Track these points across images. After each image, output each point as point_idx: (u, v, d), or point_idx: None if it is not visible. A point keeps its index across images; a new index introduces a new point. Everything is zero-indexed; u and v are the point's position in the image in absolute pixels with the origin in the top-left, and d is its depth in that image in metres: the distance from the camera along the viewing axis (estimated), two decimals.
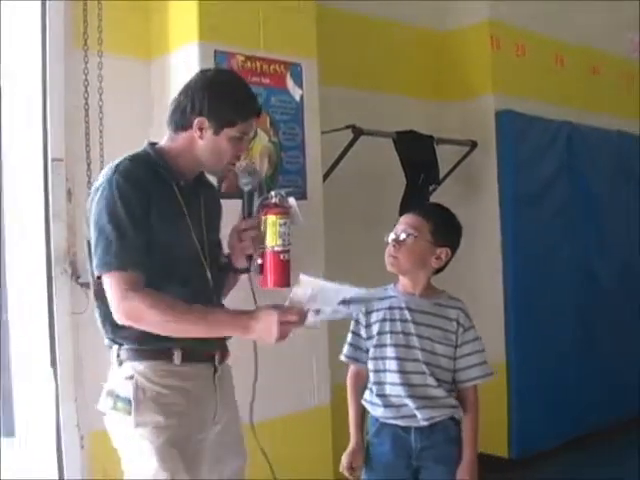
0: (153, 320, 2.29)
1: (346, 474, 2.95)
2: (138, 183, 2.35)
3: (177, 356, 2.43)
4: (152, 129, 3.84)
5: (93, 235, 2.35)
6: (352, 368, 3.01)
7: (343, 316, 2.43)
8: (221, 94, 2.48)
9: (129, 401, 2.37)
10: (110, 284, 2.31)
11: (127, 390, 2.39)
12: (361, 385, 2.98)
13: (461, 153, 5.52)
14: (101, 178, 2.41)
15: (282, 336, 2.30)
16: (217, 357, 2.56)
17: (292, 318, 2.30)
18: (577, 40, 6.28)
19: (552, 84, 6.06)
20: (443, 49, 5.77)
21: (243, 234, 2.63)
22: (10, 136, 3.84)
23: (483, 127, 5.55)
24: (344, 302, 2.36)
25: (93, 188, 2.43)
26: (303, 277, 2.36)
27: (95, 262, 2.34)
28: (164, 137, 2.57)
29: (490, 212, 5.53)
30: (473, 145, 5.47)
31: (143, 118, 3.94)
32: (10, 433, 3.99)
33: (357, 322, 2.97)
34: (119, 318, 2.31)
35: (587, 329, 6.07)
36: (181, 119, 2.49)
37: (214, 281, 2.57)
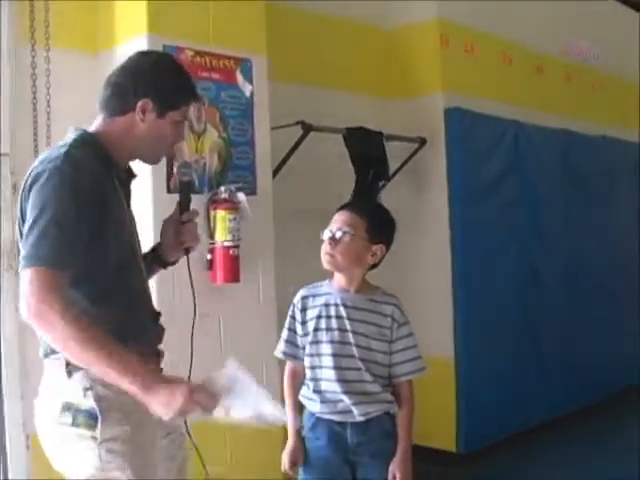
0: (55, 326, 2.00)
1: (288, 472, 2.95)
2: (89, 173, 2.16)
3: None
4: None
5: (26, 224, 2.09)
6: (289, 365, 3.00)
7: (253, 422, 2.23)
8: (167, 76, 2.36)
9: (93, 414, 2.12)
10: (30, 278, 2.02)
11: (88, 403, 2.13)
12: (298, 382, 2.97)
13: (410, 150, 5.54)
14: (41, 164, 2.17)
15: (183, 412, 2.06)
16: (160, 356, 2.43)
17: (202, 399, 2.06)
18: (524, 39, 6.36)
19: (500, 82, 6.13)
20: (393, 47, 5.79)
21: (183, 227, 2.53)
22: None
23: (432, 124, 5.58)
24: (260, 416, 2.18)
25: (31, 173, 2.17)
26: (231, 363, 2.17)
27: (22, 253, 2.08)
28: (94, 123, 2.38)
29: (439, 208, 5.57)
30: (422, 142, 5.50)
31: (90, 111, 3.88)
32: None
33: (293, 318, 2.96)
34: (25, 315, 2.02)
35: (531, 325, 6.16)
36: (121, 102, 2.31)
37: (146, 275, 2.46)
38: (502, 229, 5.88)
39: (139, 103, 2.29)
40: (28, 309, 2.01)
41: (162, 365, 2.44)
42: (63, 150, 2.18)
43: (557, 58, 6.89)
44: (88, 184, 2.14)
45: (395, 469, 2.84)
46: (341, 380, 2.82)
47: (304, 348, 2.92)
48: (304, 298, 2.95)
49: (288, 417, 2.86)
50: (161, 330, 2.46)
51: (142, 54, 2.47)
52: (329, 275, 2.96)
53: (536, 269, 6.26)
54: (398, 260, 5.37)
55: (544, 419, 6.13)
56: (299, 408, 2.98)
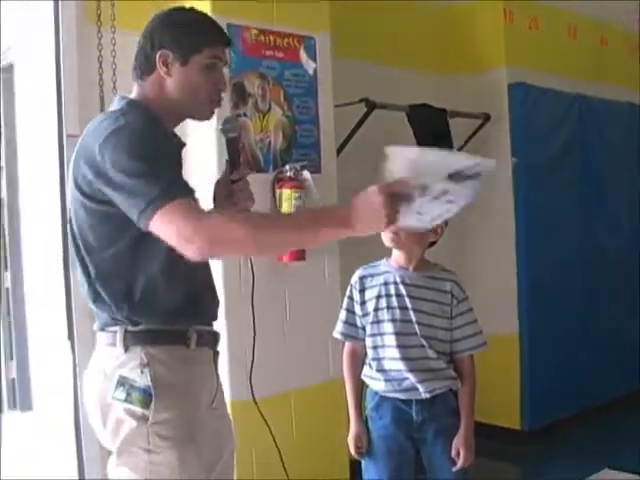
0: (239, 234, 1.91)
1: (357, 456, 2.95)
2: (156, 126, 2.11)
3: (193, 339, 2.17)
4: None
5: (116, 187, 1.96)
6: (348, 346, 2.98)
7: (457, 205, 1.99)
8: (181, 21, 2.25)
9: (147, 392, 2.06)
10: (169, 218, 1.90)
11: (144, 380, 2.07)
12: (358, 363, 2.96)
13: (474, 126, 5.49)
14: (96, 132, 2.07)
15: (391, 215, 1.91)
16: (217, 339, 2.33)
17: (397, 187, 1.90)
18: (588, 11, 6.20)
19: (564, 56, 6.01)
20: (456, 22, 5.71)
21: (234, 186, 2.39)
22: (26, 114, 3.81)
23: (496, 100, 5.52)
24: (456, 176, 1.91)
25: (86, 145, 2.08)
26: (392, 149, 1.94)
27: (137, 210, 1.94)
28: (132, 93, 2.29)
29: (503, 184, 5.49)
30: (486, 118, 5.44)
31: None
32: (28, 407, 4.00)
33: (351, 299, 2.94)
34: (194, 250, 1.90)
35: (594, 304, 6.06)
36: (144, 61, 2.22)
37: None
38: (566, 206, 5.80)
39: (158, 55, 2.20)
40: (193, 239, 1.90)
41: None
42: (118, 114, 2.10)
43: (622, 30, 6.71)
44: (161, 134, 2.12)
45: (459, 445, 2.83)
46: (405, 358, 2.81)
47: (364, 328, 2.91)
48: (362, 278, 2.94)
49: (350, 400, 2.93)
50: (217, 303, 2.37)
51: (158, 13, 2.31)
52: (389, 254, 2.95)
53: (601, 248, 6.15)
54: (462, 238, 5.37)
55: (607, 398, 6.02)
56: (361, 388, 2.98)
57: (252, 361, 2.91)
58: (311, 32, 4.18)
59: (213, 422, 2.27)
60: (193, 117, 2.32)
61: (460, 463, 2.82)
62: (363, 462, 2.95)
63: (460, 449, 2.83)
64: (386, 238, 2.83)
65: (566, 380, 5.70)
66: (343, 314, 2.96)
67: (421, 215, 1.98)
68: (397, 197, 1.90)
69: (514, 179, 5.48)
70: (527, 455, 5.34)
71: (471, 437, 2.86)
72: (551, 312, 5.63)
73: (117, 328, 2.11)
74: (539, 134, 5.63)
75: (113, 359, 2.12)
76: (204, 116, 2.31)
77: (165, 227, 1.92)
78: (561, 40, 6.01)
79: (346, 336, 2.95)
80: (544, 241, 5.60)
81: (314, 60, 4.18)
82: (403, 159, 1.92)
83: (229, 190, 2.43)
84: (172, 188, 1.94)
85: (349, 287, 2.96)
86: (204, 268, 2.27)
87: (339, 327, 2.97)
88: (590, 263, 6.03)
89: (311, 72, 4.17)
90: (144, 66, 2.23)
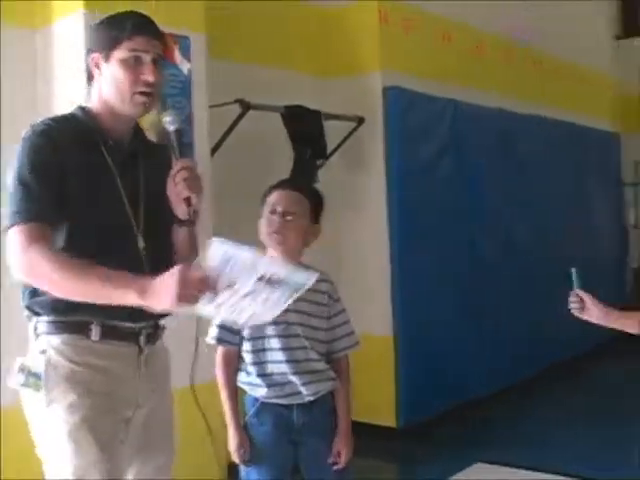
0: (43, 272, 2.14)
1: (242, 465, 2.92)
2: (51, 140, 2.24)
3: (95, 332, 2.28)
4: (37, 98, 3.85)
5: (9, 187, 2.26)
6: (222, 351, 2.92)
7: (276, 308, 2.14)
8: (104, 21, 2.38)
9: (40, 377, 2.23)
10: (12, 237, 2.18)
11: (39, 365, 2.25)
12: (233, 368, 2.92)
13: (349, 129, 5.66)
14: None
15: (182, 296, 2.03)
16: (143, 336, 2.38)
17: (197, 273, 2.06)
18: (463, 18, 6.52)
19: (439, 61, 6.28)
20: (332, 25, 5.87)
21: (176, 176, 2.37)
22: None
23: (370, 103, 5.70)
24: (265, 279, 2.08)
25: None
26: (214, 240, 2.10)
27: (7, 214, 2.22)
28: None
29: (376, 187, 5.70)
30: (360, 121, 5.63)
31: (28, 87, 3.92)
32: None
33: None
34: (16, 272, 2.18)
35: (470, 303, 6.36)
36: (87, 69, 2.39)
37: (149, 250, 2.39)
38: (440, 208, 6.04)
39: (90, 59, 2.35)
40: (16, 264, 2.17)
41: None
42: (39, 124, 2.31)
43: (496, 37, 7.07)
44: (48, 148, 2.24)
45: (339, 445, 2.93)
46: (290, 361, 2.84)
47: (239, 332, 2.87)
48: None
49: (228, 407, 2.91)
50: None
51: None
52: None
53: (474, 247, 6.46)
54: (335, 239, 5.50)
55: (482, 394, 6.35)
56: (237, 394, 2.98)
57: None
58: (186, 32, 4.25)
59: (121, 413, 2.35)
60: (126, 113, 2.37)
61: (342, 462, 2.92)
62: (243, 469, 2.93)
63: (341, 449, 2.92)
64: (271, 238, 2.85)
65: (440, 378, 5.96)
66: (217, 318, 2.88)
67: (234, 309, 2.11)
68: (196, 282, 2.05)
69: (387, 182, 5.68)
70: (402, 452, 5.57)
71: (350, 436, 2.97)
72: (425, 312, 5.86)
73: (33, 318, 2.32)
74: (413, 137, 5.86)
75: (30, 347, 2.33)
76: (133, 111, 2.36)
77: (8, 244, 2.20)
78: (436, 45, 6.27)
79: (221, 341, 2.89)
80: (418, 242, 5.83)
81: (189, 60, 4.25)
82: (220, 251, 2.08)
83: (174, 180, 2.42)
84: (29, 210, 2.18)
85: None
86: (125, 264, 2.27)
87: (213, 332, 2.88)
88: (464, 264, 6.32)
89: (186, 72, 4.24)
90: (88, 74, 2.38)
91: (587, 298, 2.94)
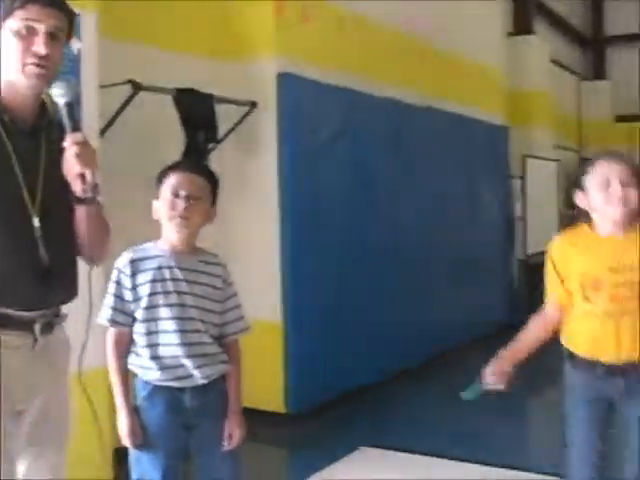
0: None
1: (133, 445, 2.90)
2: None
3: None
4: None
5: None
6: (114, 333, 2.88)
7: None
8: None
9: None
10: None
11: None
12: (125, 350, 2.89)
13: (243, 114, 5.67)
14: None
15: None
16: (39, 325, 2.32)
17: None
18: (358, 8, 6.59)
19: (334, 50, 6.34)
20: (228, 9, 5.85)
21: (67, 152, 2.28)
22: None
23: (264, 89, 5.73)
24: None
25: None
26: None
27: None
28: None
29: (269, 172, 5.74)
30: (252, 106, 5.66)
31: None
32: None
33: (118, 284, 2.86)
34: None
35: (360, 290, 6.47)
36: None
37: (45, 230, 2.30)
38: (332, 195, 6.14)
39: None
40: None
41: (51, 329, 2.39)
42: None
43: (391, 29, 7.17)
44: None
45: (231, 427, 2.96)
46: (183, 344, 2.83)
47: (132, 314, 2.86)
48: (133, 262, 2.86)
49: (119, 390, 2.88)
50: (46, 289, 2.33)
51: None
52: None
53: (364, 234, 6.55)
54: (225, 223, 5.50)
55: (370, 380, 6.48)
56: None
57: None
58: (77, 10, 4.17)
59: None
60: (21, 86, 2.30)
61: (234, 443, 2.95)
62: (134, 453, 2.91)
63: (233, 431, 2.95)
64: (176, 222, 2.83)
65: (329, 364, 6.04)
66: (110, 300, 2.86)
67: None
68: None
69: (280, 167, 5.73)
70: (291, 437, 5.65)
71: (242, 418, 3.00)
72: (315, 298, 5.94)
73: None
74: (306, 124, 5.92)
75: None
76: (27, 84, 2.28)
77: None
78: (332, 34, 6.33)
79: (114, 322, 2.86)
80: (309, 229, 5.90)
81: (79, 39, 4.15)
82: None
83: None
84: None
85: (115, 271, 2.87)
86: (18, 243, 2.26)
87: (105, 313, 2.86)
88: (355, 251, 6.42)
89: (75, 51, 4.15)
90: None
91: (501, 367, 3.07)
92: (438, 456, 5.05)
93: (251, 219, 5.79)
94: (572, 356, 3.06)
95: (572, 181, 3.14)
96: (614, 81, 16.38)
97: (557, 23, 14.71)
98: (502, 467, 4.84)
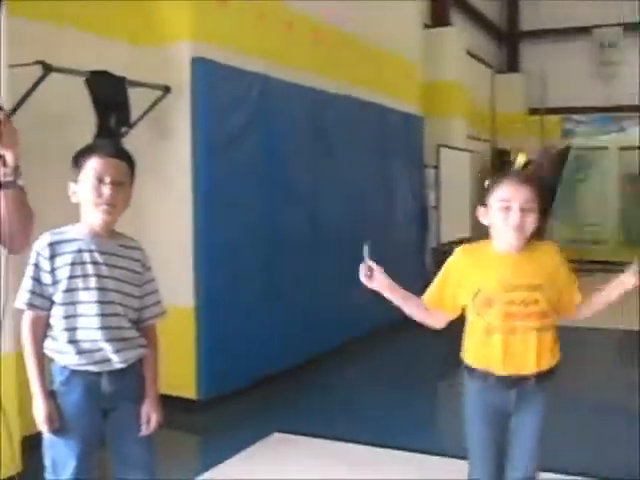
0: None
1: (50, 431, 2.85)
2: None
3: None
4: None
5: None
6: (31, 316, 2.84)
7: None
8: None
9: None
10: None
11: None
12: (42, 334, 2.86)
13: (156, 98, 5.62)
14: None
15: None
16: None
17: None
18: None
19: (251, 36, 6.32)
20: None
21: None
22: None
23: (178, 73, 5.69)
24: None
25: None
26: None
27: None
28: None
29: (182, 158, 5.71)
30: (166, 90, 5.61)
31: None
32: None
33: (37, 267, 2.82)
34: None
35: (274, 276, 6.51)
36: None
37: None
38: (246, 181, 6.14)
39: None
40: None
41: None
42: None
43: (309, 17, 7.21)
44: None
45: (149, 411, 2.97)
46: (103, 327, 2.83)
47: (50, 298, 2.83)
48: (51, 245, 2.82)
49: (35, 375, 2.84)
50: None
51: None
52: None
53: (278, 221, 6.59)
54: (139, 208, 5.45)
55: (282, 366, 6.55)
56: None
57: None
58: None
59: None
60: None
61: (152, 426, 2.97)
62: (48, 438, 2.87)
63: (150, 414, 2.97)
64: (102, 210, 2.81)
65: (243, 350, 6.08)
66: (28, 283, 2.82)
67: None
68: None
69: (193, 152, 5.70)
70: (204, 424, 5.66)
71: (159, 402, 3.02)
72: (231, 285, 5.96)
73: None
74: (221, 109, 5.90)
75: None
76: None
77: None
78: (249, 21, 6.31)
79: (31, 306, 2.82)
80: (222, 214, 5.90)
81: None
82: None
83: None
84: None
85: (33, 254, 2.83)
86: None
87: (23, 296, 2.81)
88: (269, 237, 6.45)
89: None
90: None
91: (375, 268, 3.10)
92: (352, 441, 5.13)
93: (164, 204, 5.76)
94: (468, 366, 3.12)
95: (481, 183, 3.17)
96: (527, 75, 16.75)
97: (473, 16, 14.99)
98: (414, 451, 4.94)
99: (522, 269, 2.98)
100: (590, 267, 13.93)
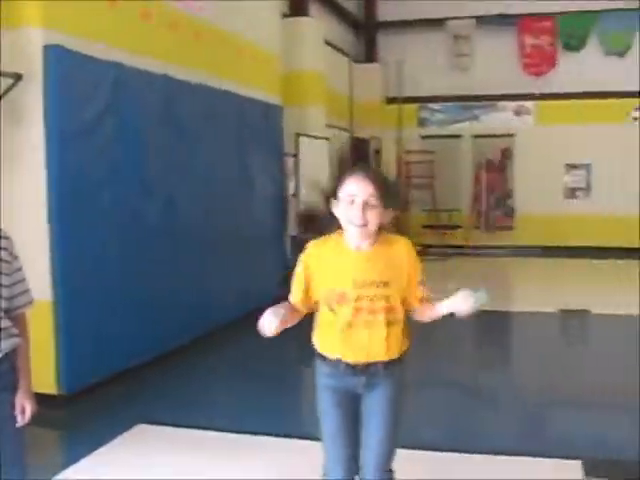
0: None
1: None
2: None
3: None
4: None
5: None
6: None
7: None
8: None
9: None
10: None
11: None
12: None
13: (6, 85, 5.47)
14: None
15: None
16: None
17: None
18: None
19: (106, 24, 6.24)
20: None
21: None
22: None
23: (30, 60, 5.55)
24: None
25: None
26: None
27: None
28: None
29: (36, 146, 5.57)
30: (17, 78, 5.47)
31: None
32: None
33: None
34: None
35: (133, 265, 6.46)
36: None
37: None
38: (102, 169, 6.06)
39: None
40: None
41: None
42: None
43: (166, 5, 7.18)
44: None
45: (23, 401, 2.95)
46: None
47: None
48: None
49: None
50: None
51: None
52: None
53: (136, 209, 6.55)
54: None
55: (144, 358, 6.54)
56: None
57: None
58: None
59: None
60: None
61: (27, 417, 2.94)
62: None
63: (25, 404, 2.94)
64: None
65: (103, 343, 6.02)
66: None
67: None
68: None
69: (47, 141, 5.58)
70: (65, 419, 5.57)
71: (32, 391, 3.00)
72: (88, 275, 5.87)
73: None
74: (75, 98, 5.79)
75: None
76: None
77: None
78: (103, 7, 6.22)
79: None
80: (79, 204, 5.80)
81: None
82: None
83: None
84: None
85: None
86: None
87: None
88: (128, 226, 6.40)
89: None
90: None
91: (266, 317, 2.97)
92: (215, 430, 5.17)
93: (17, 194, 5.60)
94: (319, 354, 3.18)
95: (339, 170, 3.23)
96: (385, 64, 17.13)
97: (332, 7, 15.19)
98: (277, 436, 5.05)
99: (372, 265, 3.05)
100: (446, 251, 14.47)
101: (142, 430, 5.21)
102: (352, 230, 3.02)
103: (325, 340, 3.15)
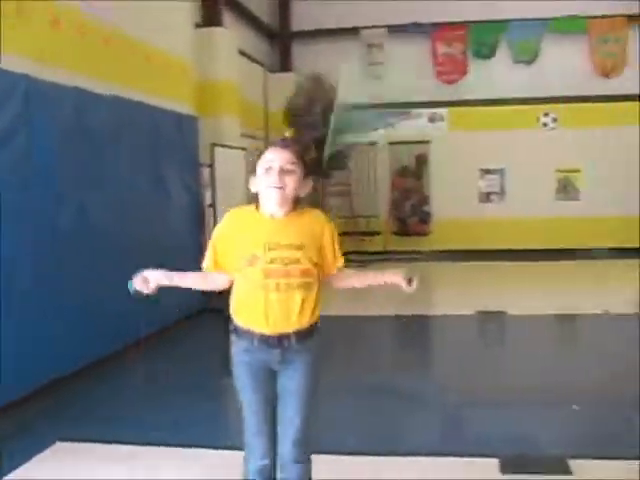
0: None
1: None
2: None
3: None
4: None
5: None
6: None
7: None
8: None
9: None
10: None
11: None
12: None
13: None
14: None
15: None
16: None
17: None
18: None
19: (13, 34, 6.12)
20: None
21: None
22: None
23: None
24: None
25: None
26: None
27: None
28: None
29: None
30: None
31: None
32: None
33: None
34: None
35: (51, 278, 6.35)
36: None
37: None
38: (13, 183, 5.93)
39: None
40: None
41: None
42: None
43: (76, 14, 7.10)
44: None
45: None
46: None
47: None
48: None
49: None
50: None
51: None
52: None
53: (50, 224, 6.43)
54: None
55: (62, 373, 6.40)
56: None
57: None
58: None
59: None
60: None
61: None
62: None
63: None
64: None
65: (17, 359, 5.85)
66: None
67: None
68: None
69: None
70: None
71: None
72: (4, 285, 5.72)
73: None
74: None
75: None
76: None
77: None
78: (10, 19, 6.09)
79: None
80: None
81: None
82: None
83: None
84: None
85: None
86: None
87: None
88: (43, 239, 6.29)
89: None
90: None
91: (145, 273, 3.22)
92: (141, 444, 5.11)
93: None
94: (235, 326, 3.27)
95: (252, 167, 3.35)
96: (300, 73, 17.21)
97: (245, 16, 15.20)
98: (202, 447, 5.02)
99: (286, 230, 3.18)
100: (364, 258, 14.57)
101: (61, 448, 5.10)
102: (269, 194, 3.15)
103: (238, 307, 3.25)
